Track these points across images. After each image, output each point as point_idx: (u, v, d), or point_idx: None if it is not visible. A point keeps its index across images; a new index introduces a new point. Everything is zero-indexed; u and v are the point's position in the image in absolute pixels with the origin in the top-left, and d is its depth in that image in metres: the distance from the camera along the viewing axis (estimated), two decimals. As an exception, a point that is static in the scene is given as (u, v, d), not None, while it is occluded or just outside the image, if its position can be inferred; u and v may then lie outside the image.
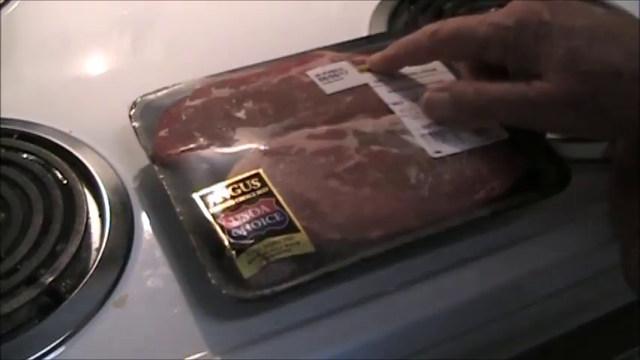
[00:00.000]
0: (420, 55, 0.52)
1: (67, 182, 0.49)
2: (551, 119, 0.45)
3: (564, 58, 0.44)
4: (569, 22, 0.45)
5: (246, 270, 0.42)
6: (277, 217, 0.44)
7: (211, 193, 0.45)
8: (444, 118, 0.49)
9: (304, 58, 0.55)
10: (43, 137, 0.52)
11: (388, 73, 0.53)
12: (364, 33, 0.62)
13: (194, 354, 0.41)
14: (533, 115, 0.46)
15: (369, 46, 0.56)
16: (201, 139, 0.48)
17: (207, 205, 0.44)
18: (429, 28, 0.49)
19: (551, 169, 0.49)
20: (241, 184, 0.45)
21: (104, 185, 0.49)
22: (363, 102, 0.51)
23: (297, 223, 0.43)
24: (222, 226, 0.43)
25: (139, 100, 0.51)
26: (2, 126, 0.53)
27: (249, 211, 0.44)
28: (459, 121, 0.49)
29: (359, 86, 0.52)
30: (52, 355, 0.41)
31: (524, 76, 0.45)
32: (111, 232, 0.46)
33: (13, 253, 0.44)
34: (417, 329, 0.44)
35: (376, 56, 0.53)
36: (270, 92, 0.52)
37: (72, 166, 0.50)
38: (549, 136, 0.51)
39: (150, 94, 0.51)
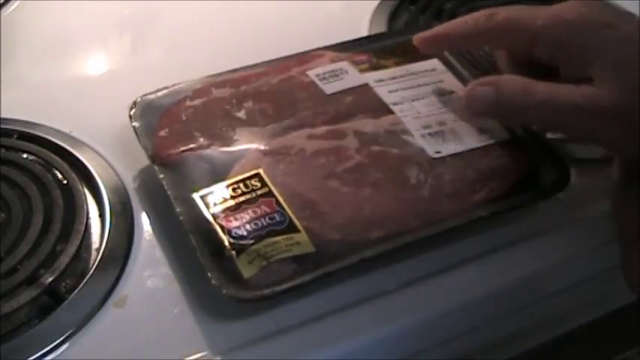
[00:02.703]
0: (471, 37, 0.49)
1: (67, 182, 0.49)
2: (596, 129, 0.43)
3: (620, 66, 0.42)
4: (632, 29, 0.43)
5: (246, 270, 0.42)
6: (277, 217, 0.44)
7: (211, 193, 0.45)
8: (484, 113, 0.47)
9: (304, 58, 0.55)
10: (43, 137, 0.52)
11: (390, 73, 0.53)
12: (364, 33, 0.62)
13: (194, 354, 0.41)
14: (578, 122, 0.43)
15: (369, 46, 0.56)
16: (202, 139, 0.48)
17: (207, 205, 0.44)
18: (486, 10, 0.47)
19: (551, 169, 0.48)
20: (241, 184, 0.45)
21: (104, 185, 0.49)
22: (364, 102, 0.51)
23: (298, 223, 0.43)
24: (222, 226, 0.43)
25: (139, 100, 0.51)
26: (2, 126, 0.53)
27: (250, 211, 0.44)
28: (496, 117, 0.47)
29: (359, 86, 0.52)
30: (52, 355, 0.41)
31: (574, 79, 0.44)
32: (111, 232, 0.46)
33: (13, 253, 0.44)
34: (417, 329, 0.44)
35: (425, 33, 0.51)
36: (271, 92, 0.52)
37: (72, 166, 0.50)
38: (549, 136, 0.51)
39: (150, 94, 0.51)
